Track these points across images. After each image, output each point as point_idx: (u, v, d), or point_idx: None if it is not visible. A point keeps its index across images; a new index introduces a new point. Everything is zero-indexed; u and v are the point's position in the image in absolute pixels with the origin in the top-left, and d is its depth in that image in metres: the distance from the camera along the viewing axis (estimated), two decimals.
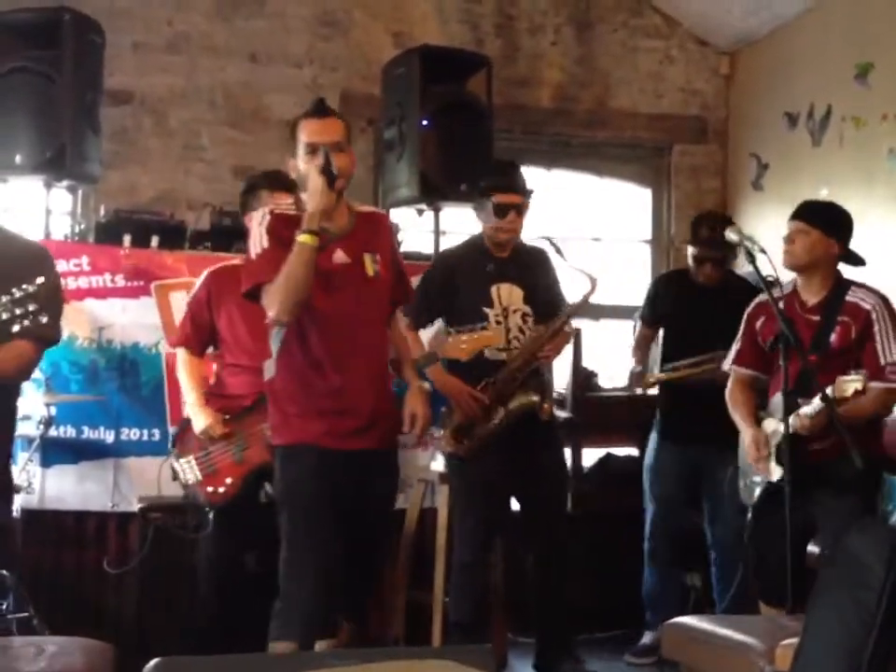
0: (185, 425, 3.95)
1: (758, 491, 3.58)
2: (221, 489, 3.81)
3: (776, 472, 3.45)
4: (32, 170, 4.42)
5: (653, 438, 4.67)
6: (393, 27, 5.64)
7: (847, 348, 3.47)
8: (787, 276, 3.68)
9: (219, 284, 3.89)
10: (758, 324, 3.68)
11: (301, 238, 2.92)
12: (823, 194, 5.26)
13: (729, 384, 3.79)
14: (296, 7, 5.53)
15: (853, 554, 2.24)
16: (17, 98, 4.39)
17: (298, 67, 5.51)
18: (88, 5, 4.82)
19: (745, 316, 3.75)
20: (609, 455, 5.29)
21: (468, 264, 4.02)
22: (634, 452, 5.39)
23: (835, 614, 2.25)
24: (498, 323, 3.92)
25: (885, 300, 3.55)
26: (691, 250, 4.61)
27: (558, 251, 3.99)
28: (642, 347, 4.78)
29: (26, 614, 3.86)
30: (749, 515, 3.64)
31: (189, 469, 3.85)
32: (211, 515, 3.85)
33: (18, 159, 4.37)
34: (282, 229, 3.01)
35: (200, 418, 3.84)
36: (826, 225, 3.59)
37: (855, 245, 5.07)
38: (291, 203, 3.18)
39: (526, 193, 4.01)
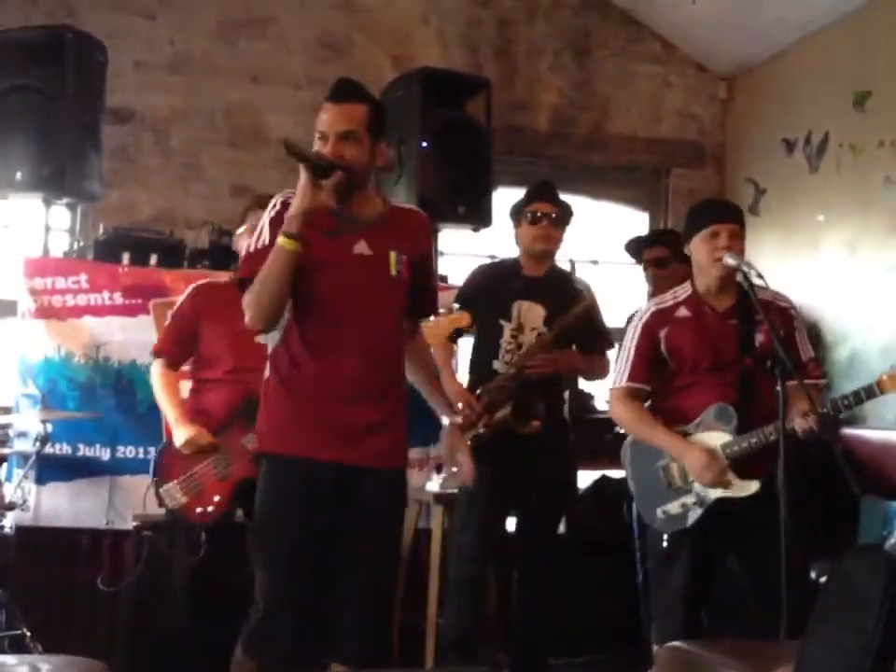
0: (162, 450, 3.88)
1: (695, 514, 3.29)
2: (210, 508, 3.74)
3: (748, 487, 3.22)
4: (32, 187, 4.44)
5: None
6: (393, 50, 5.67)
7: (773, 347, 3.20)
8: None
9: (205, 299, 3.86)
10: (662, 333, 3.35)
11: (280, 241, 2.67)
12: (819, 220, 5.29)
13: (620, 401, 3.41)
14: (297, 29, 5.57)
15: (850, 580, 2.24)
16: (18, 115, 4.41)
17: (298, 88, 5.53)
18: (90, 24, 4.87)
19: (638, 328, 3.40)
20: (604, 478, 5.29)
21: (499, 276, 4.07)
22: None
23: (833, 640, 2.24)
24: (514, 337, 3.93)
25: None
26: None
27: (572, 269, 4.09)
28: None
29: (19, 632, 3.86)
30: (667, 542, 3.32)
31: (174, 494, 3.79)
32: (203, 536, 3.82)
33: (18, 175, 4.39)
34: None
35: (182, 431, 3.72)
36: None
37: (850, 271, 5.13)
38: None
39: (561, 205, 4.04)
